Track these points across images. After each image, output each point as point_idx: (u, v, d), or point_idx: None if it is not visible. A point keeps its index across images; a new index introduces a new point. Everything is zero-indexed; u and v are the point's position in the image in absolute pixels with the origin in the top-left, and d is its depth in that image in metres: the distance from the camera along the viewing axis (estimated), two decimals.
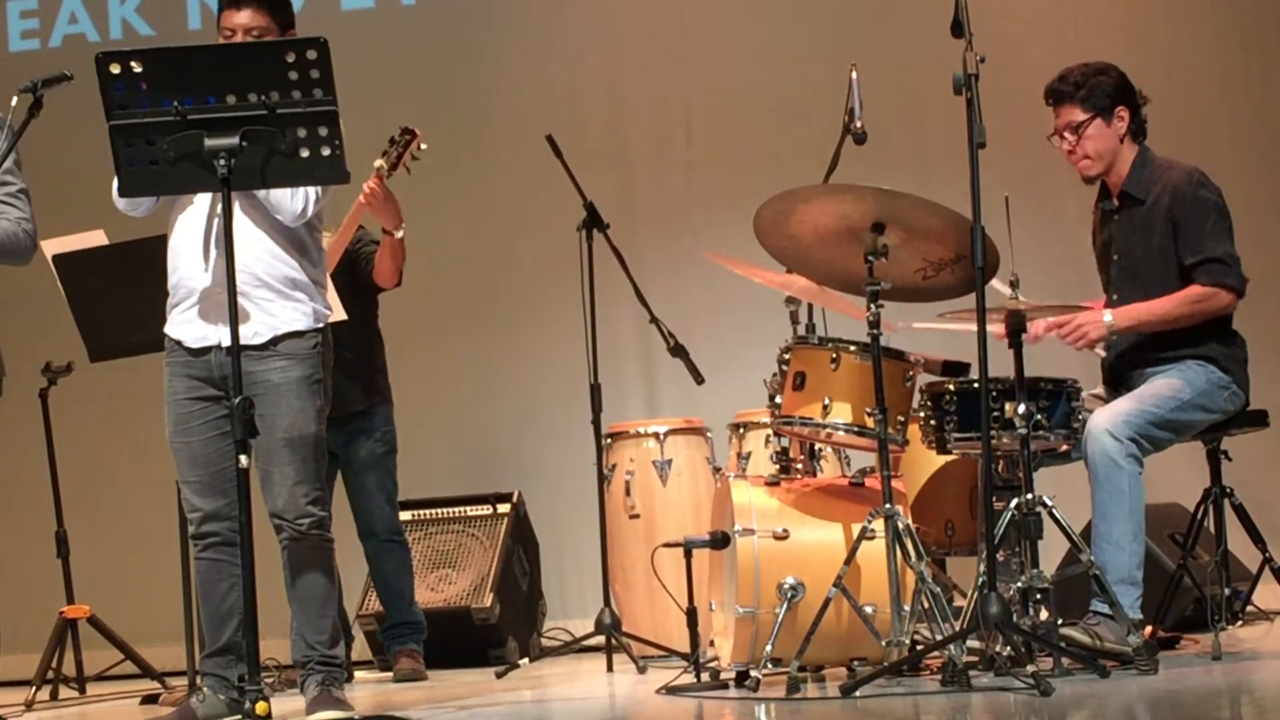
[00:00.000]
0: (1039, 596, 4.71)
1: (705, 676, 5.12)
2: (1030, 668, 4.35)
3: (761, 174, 7.18)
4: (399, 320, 6.74)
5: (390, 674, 6.37)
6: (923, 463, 5.38)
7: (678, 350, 6.36)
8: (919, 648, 4.73)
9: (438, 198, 7.01)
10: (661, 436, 6.80)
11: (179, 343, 4.66)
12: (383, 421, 6.49)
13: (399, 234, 6.13)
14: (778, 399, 5.02)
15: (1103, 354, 5.24)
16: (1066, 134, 5.32)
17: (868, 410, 4.83)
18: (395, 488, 6.54)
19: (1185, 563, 5.77)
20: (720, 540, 5.05)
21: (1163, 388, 5.15)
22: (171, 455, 4.71)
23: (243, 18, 4.67)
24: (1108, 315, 5.17)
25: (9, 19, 8.68)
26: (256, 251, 4.60)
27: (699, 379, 6.37)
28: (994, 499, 4.72)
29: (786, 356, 5.03)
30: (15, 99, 4.61)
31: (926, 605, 4.65)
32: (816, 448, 5.30)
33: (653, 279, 7.05)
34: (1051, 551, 5.21)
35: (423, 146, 6.06)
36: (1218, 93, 7.64)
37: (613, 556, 6.51)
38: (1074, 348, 5.18)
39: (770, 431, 5.33)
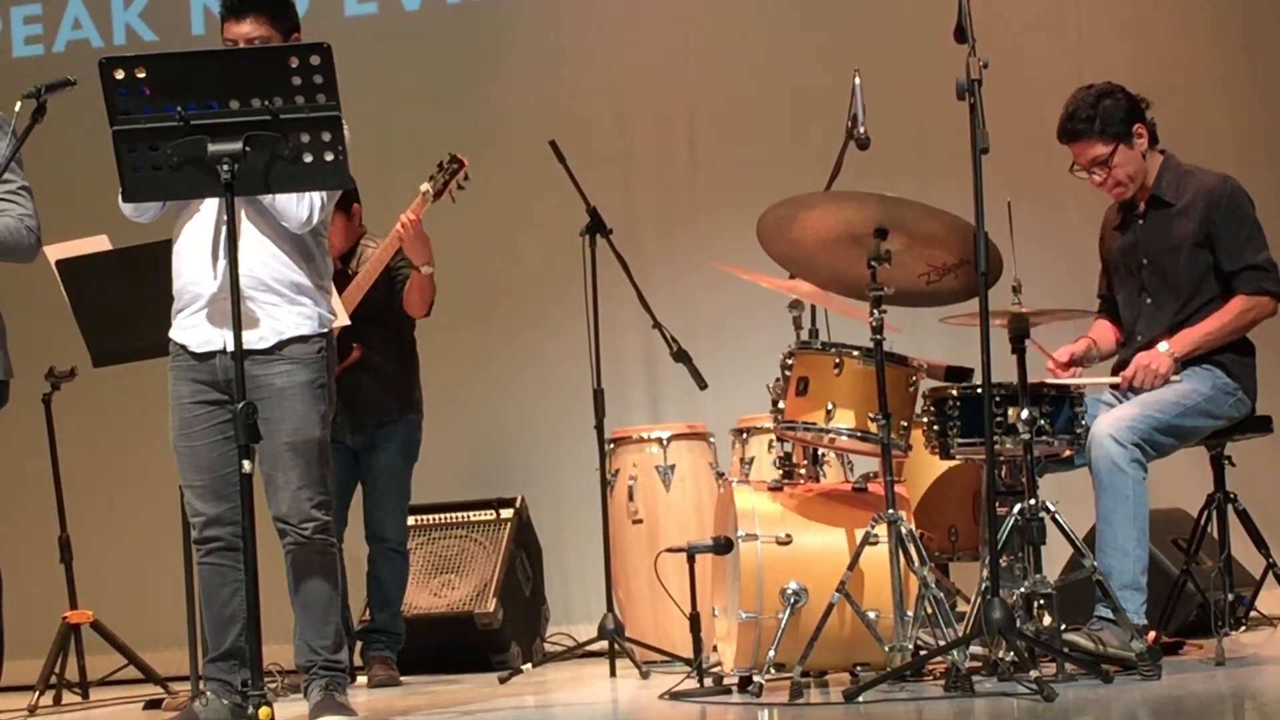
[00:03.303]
0: (1042, 602, 4.71)
1: (708, 682, 5.12)
2: (1034, 673, 4.34)
3: (764, 179, 7.18)
4: None
5: (365, 680, 6.41)
6: (926, 468, 5.37)
7: (681, 355, 6.36)
8: (922, 653, 4.73)
9: (440, 202, 7.00)
10: (664, 441, 6.80)
11: (184, 347, 4.67)
12: (409, 430, 6.59)
13: (426, 270, 6.23)
14: (781, 404, 5.02)
15: (1177, 379, 5.21)
16: (1095, 169, 5.32)
17: (871, 415, 4.83)
18: (408, 498, 6.64)
19: (1189, 568, 5.77)
20: (723, 545, 5.04)
21: (1168, 393, 5.16)
22: (174, 460, 4.71)
23: (245, 28, 4.68)
24: (1164, 345, 5.17)
25: (13, 24, 8.70)
26: (261, 256, 4.61)
27: (702, 384, 6.38)
28: (997, 504, 4.72)
29: (789, 361, 5.03)
30: (19, 104, 4.61)
31: (930, 610, 4.65)
32: (819, 453, 5.29)
33: (656, 284, 7.05)
34: (1055, 557, 5.21)
35: (469, 176, 6.16)
36: (1221, 95, 7.64)
37: (616, 562, 6.51)
38: (1155, 387, 5.17)
39: (773, 436, 5.32)
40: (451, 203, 6.21)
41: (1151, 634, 5.13)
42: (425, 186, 6.15)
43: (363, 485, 6.58)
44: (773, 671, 4.76)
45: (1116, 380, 5.26)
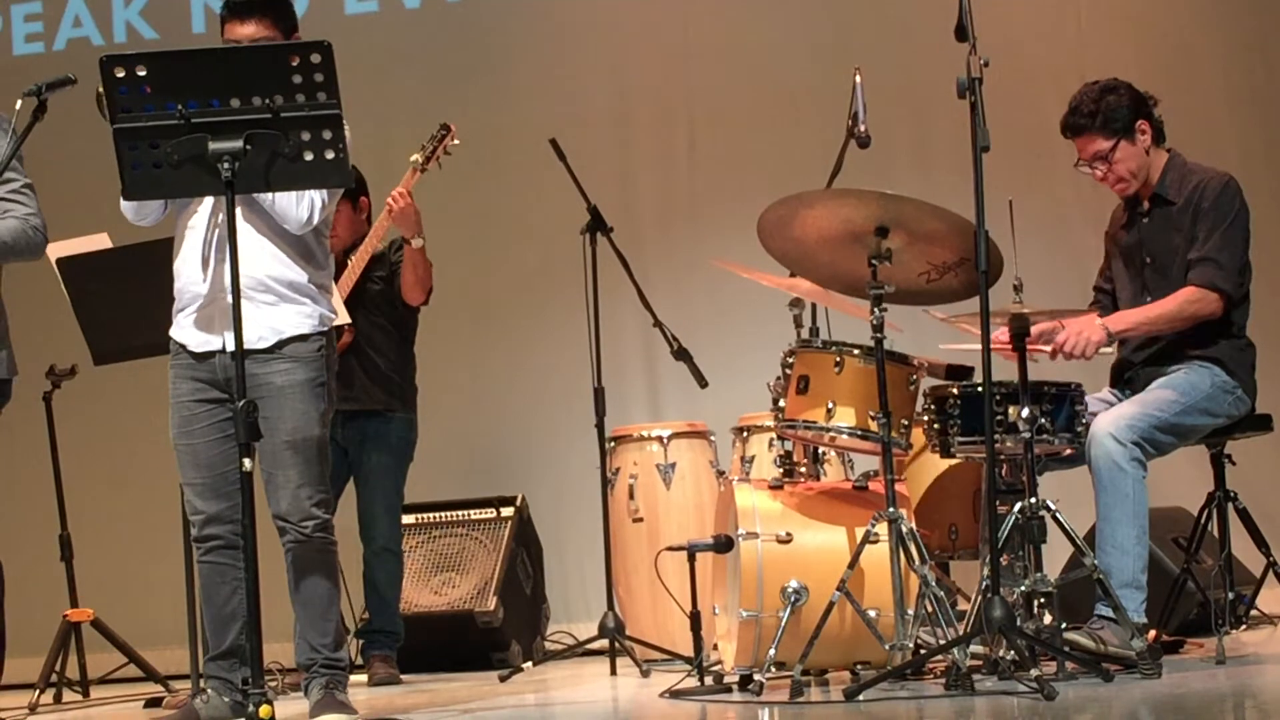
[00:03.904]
0: (1043, 600, 4.71)
1: (709, 680, 5.12)
2: (1034, 672, 4.34)
3: (765, 178, 7.18)
4: None
5: (365, 678, 6.41)
6: (926, 466, 5.37)
7: (681, 354, 6.36)
8: (922, 652, 4.73)
9: (441, 201, 7.00)
10: (665, 440, 6.80)
11: (183, 346, 4.67)
12: (400, 428, 6.56)
13: (416, 243, 6.27)
14: (781, 402, 5.02)
15: (1109, 350, 5.22)
16: (1096, 164, 5.32)
17: (871, 414, 4.83)
18: (400, 499, 6.60)
19: (1189, 567, 5.76)
20: (723, 544, 5.04)
21: (1167, 392, 5.16)
22: (175, 458, 4.71)
23: (247, 30, 4.68)
24: (1098, 320, 5.17)
25: (13, 22, 8.70)
26: (261, 256, 4.61)
27: (702, 382, 6.38)
28: (998, 503, 4.71)
29: (790, 360, 5.03)
30: (19, 102, 4.61)
31: (930, 609, 4.65)
32: (820, 451, 5.29)
33: (656, 283, 7.05)
34: (1055, 555, 5.21)
35: (455, 142, 6.31)
36: (1222, 93, 7.64)
37: (616, 560, 6.51)
38: (1086, 358, 5.16)
39: (774, 435, 5.32)
40: (438, 169, 6.29)
41: (1152, 632, 5.12)
42: (415, 156, 6.29)
43: (355, 484, 6.57)
44: (773, 670, 4.76)
45: (1048, 349, 5.21)
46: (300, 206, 4.58)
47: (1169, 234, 5.30)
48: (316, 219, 4.63)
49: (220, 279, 4.51)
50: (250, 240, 4.57)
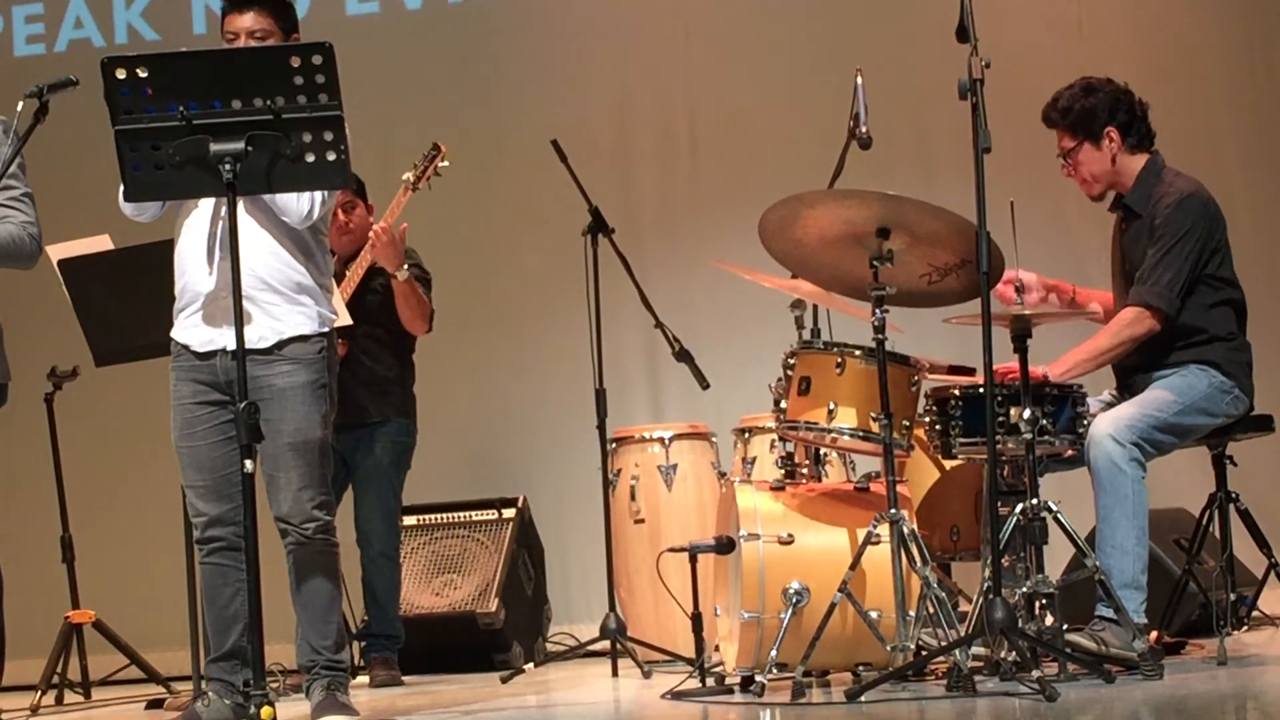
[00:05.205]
0: (1044, 601, 4.71)
1: (710, 681, 5.12)
2: (1035, 673, 4.34)
3: (766, 179, 7.18)
4: None
5: (366, 679, 6.40)
6: (928, 468, 5.37)
7: (683, 355, 6.36)
8: (924, 653, 4.73)
9: (443, 202, 7.00)
10: (666, 441, 6.80)
11: (185, 347, 4.67)
12: (396, 433, 6.54)
13: (401, 275, 6.23)
14: (783, 404, 5.02)
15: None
16: (1065, 160, 5.34)
17: (873, 415, 4.82)
18: (397, 504, 6.57)
19: (1190, 568, 5.76)
20: (725, 545, 5.04)
21: (1165, 392, 5.16)
22: (177, 460, 4.71)
23: (246, 21, 4.68)
24: (1041, 369, 5.12)
25: (15, 24, 8.70)
26: (262, 256, 4.61)
27: (704, 384, 6.37)
28: (999, 504, 4.71)
29: (791, 361, 5.03)
30: (21, 104, 4.61)
31: (932, 610, 4.65)
32: (821, 452, 5.29)
33: (658, 284, 7.05)
34: (1056, 556, 5.21)
35: (445, 163, 6.25)
36: (1222, 93, 7.64)
37: (618, 561, 6.51)
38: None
39: (775, 436, 5.32)
40: (428, 189, 6.26)
41: (1154, 634, 5.13)
42: (407, 175, 6.27)
43: (352, 489, 6.54)
44: (775, 671, 4.76)
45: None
46: (301, 200, 4.59)
47: (1140, 245, 5.29)
48: (317, 213, 4.63)
49: (223, 277, 4.50)
50: (252, 237, 4.57)
